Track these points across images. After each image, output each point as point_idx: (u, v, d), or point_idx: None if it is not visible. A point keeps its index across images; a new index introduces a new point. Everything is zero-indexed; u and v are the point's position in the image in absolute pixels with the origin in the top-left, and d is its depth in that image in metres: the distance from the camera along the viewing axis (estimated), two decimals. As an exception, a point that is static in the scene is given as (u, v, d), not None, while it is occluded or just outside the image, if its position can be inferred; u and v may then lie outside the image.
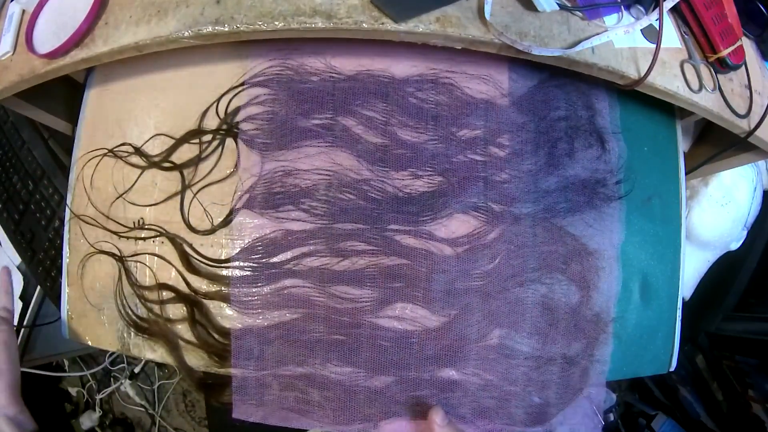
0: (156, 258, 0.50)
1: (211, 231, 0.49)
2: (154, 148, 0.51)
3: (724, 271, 0.80)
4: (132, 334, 0.51)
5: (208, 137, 0.49)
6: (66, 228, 0.53)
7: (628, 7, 0.45)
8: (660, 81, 0.45)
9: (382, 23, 0.39)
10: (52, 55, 0.44)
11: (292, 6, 0.39)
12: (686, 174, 0.58)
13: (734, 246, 0.78)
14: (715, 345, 0.85)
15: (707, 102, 0.47)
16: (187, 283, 0.49)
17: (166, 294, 0.49)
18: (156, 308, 0.50)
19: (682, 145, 0.58)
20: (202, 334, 0.48)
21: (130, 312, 0.50)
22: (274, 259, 0.47)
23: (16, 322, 0.51)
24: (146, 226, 0.50)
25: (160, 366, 1.11)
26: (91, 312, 0.52)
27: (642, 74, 0.43)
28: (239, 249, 0.48)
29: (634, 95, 0.47)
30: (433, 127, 0.48)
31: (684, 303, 0.57)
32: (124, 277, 0.51)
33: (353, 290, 0.47)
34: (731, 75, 0.49)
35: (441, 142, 0.48)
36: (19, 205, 0.74)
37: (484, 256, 0.48)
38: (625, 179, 0.52)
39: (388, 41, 0.41)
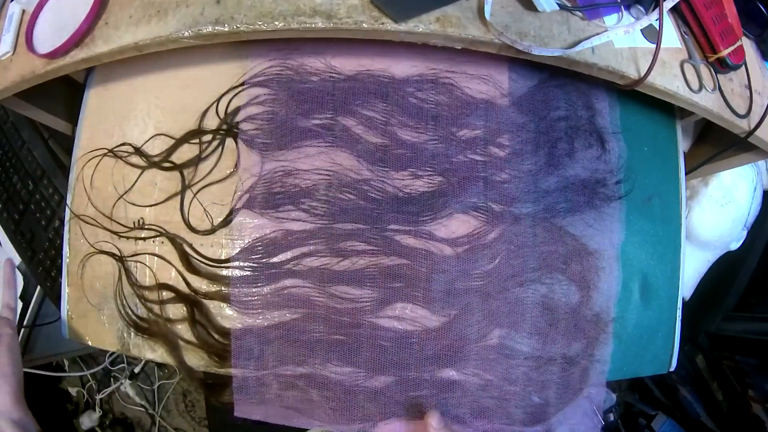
0: (156, 258, 0.50)
1: (211, 231, 0.49)
2: (154, 148, 0.51)
3: (724, 271, 0.80)
4: (132, 334, 0.51)
5: (208, 137, 0.49)
6: (66, 228, 0.53)
7: (628, 7, 0.45)
8: (660, 81, 0.45)
9: (382, 23, 0.39)
10: (52, 55, 0.44)
11: (292, 6, 0.39)
12: (686, 174, 0.58)
13: (734, 246, 0.78)
14: (715, 345, 0.85)
15: (707, 102, 0.47)
16: (187, 283, 0.49)
17: (166, 294, 0.49)
18: (156, 308, 0.50)
19: (682, 145, 0.58)
20: (202, 334, 0.48)
21: (130, 312, 0.50)
22: (274, 259, 0.47)
23: (16, 322, 0.51)
24: (146, 226, 0.50)
25: (160, 366, 1.11)
26: (91, 312, 0.52)
27: (642, 74, 0.43)
28: (239, 249, 0.48)
29: (634, 95, 0.47)
30: (433, 127, 0.48)
31: (684, 303, 0.57)
32: (124, 277, 0.51)
33: (353, 290, 0.47)
34: (731, 75, 0.49)
35: (441, 142, 0.48)
36: (19, 205, 0.74)
37: (484, 256, 0.48)
38: (625, 179, 0.52)
39: (388, 41, 0.41)
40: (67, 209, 0.53)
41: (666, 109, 0.55)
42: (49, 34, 0.46)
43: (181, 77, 0.52)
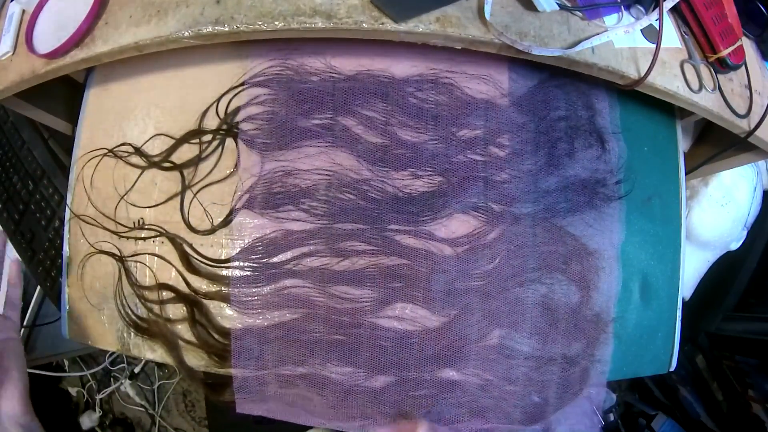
0: (156, 258, 0.50)
1: (211, 231, 0.49)
2: (154, 148, 0.51)
3: (724, 271, 0.80)
4: (132, 334, 0.51)
5: (208, 137, 0.49)
6: (66, 228, 0.53)
7: (628, 7, 0.45)
8: (660, 81, 0.45)
9: (382, 23, 0.39)
10: (52, 55, 0.44)
11: (292, 6, 0.39)
12: (686, 174, 0.58)
13: (734, 246, 0.78)
14: (715, 345, 0.85)
15: (707, 102, 0.47)
16: (187, 283, 0.49)
17: (166, 294, 0.49)
18: (156, 308, 0.50)
19: (682, 145, 0.58)
20: (202, 334, 0.48)
21: (130, 312, 0.50)
22: (274, 259, 0.47)
23: (20, 324, 0.51)
24: (146, 226, 0.50)
25: (160, 366, 1.11)
26: (91, 312, 0.52)
27: (642, 74, 0.43)
28: (239, 249, 0.48)
29: (634, 95, 0.47)
30: (433, 127, 0.48)
31: (684, 303, 0.57)
32: (124, 277, 0.51)
33: (353, 290, 0.47)
34: (731, 75, 0.49)
35: (441, 142, 0.48)
36: (19, 205, 0.74)
37: (484, 256, 0.48)
38: (625, 179, 0.52)
39: (388, 41, 0.41)
40: (67, 209, 0.53)
41: (666, 109, 0.55)
42: (49, 34, 0.46)
43: (181, 77, 0.52)
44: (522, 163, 0.49)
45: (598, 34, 0.43)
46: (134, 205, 0.51)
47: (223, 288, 0.48)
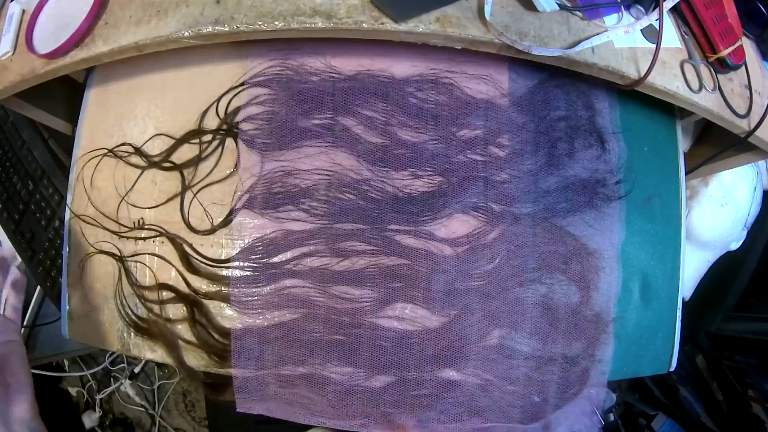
0: (156, 258, 0.50)
1: (211, 231, 0.49)
2: (154, 148, 0.51)
3: (724, 271, 0.80)
4: (132, 334, 0.51)
5: (208, 137, 0.49)
6: (66, 228, 0.53)
7: (628, 7, 0.45)
8: (660, 81, 0.45)
9: (382, 23, 0.39)
10: (52, 55, 0.44)
11: (292, 6, 0.39)
12: (686, 174, 0.58)
13: (734, 246, 0.78)
14: (715, 345, 0.85)
15: (707, 102, 0.47)
16: (187, 283, 0.49)
17: (166, 294, 0.49)
18: (156, 308, 0.50)
19: (682, 145, 0.58)
20: (202, 334, 0.48)
21: (130, 312, 0.50)
22: (274, 259, 0.47)
23: (21, 328, 0.51)
24: (146, 226, 0.50)
25: (160, 366, 1.11)
26: (91, 312, 0.52)
27: (642, 74, 0.43)
28: (239, 249, 0.48)
29: (634, 95, 0.47)
30: (433, 127, 0.48)
31: (684, 303, 0.57)
32: (124, 277, 0.51)
33: (353, 290, 0.47)
34: (731, 75, 0.49)
35: (441, 142, 0.48)
36: (19, 205, 0.74)
37: (484, 256, 0.48)
38: (625, 179, 0.52)
39: (388, 41, 0.41)
40: (67, 209, 0.53)
41: (666, 109, 0.55)
42: (49, 34, 0.46)
43: (181, 77, 0.52)
44: (522, 163, 0.49)
45: (598, 34, 0.43)
46: (134, 205, 0.51)
47: (223, 288, 0.48)
